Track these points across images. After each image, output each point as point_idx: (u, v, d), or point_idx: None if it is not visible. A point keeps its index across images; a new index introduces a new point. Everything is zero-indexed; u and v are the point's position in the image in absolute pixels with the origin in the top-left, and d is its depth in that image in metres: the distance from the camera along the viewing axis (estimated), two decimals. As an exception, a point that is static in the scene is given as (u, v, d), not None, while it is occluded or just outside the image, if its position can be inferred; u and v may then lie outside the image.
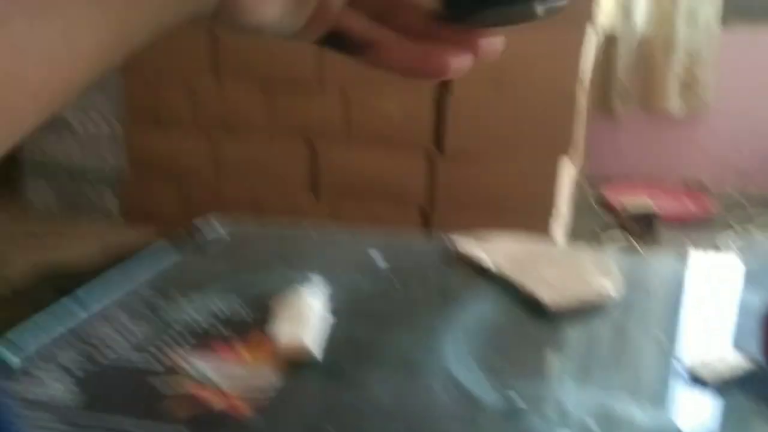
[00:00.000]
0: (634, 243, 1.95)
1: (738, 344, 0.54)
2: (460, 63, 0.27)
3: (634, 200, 2.07)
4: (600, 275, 0.67)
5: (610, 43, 2.63)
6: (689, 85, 2.61)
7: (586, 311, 0.61)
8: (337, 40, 0.27)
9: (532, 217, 1.78)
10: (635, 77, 2.67)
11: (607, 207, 2.35)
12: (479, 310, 0.62)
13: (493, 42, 0.29)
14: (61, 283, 1.72)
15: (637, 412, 0.45)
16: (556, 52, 1.70)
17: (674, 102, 2.61)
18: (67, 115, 2.39)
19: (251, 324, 0.59)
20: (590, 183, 2.70)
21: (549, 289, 0.64)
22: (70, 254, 1.95)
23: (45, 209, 2.51)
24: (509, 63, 1.74)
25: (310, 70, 1.93)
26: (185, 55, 2.07)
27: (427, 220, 1.92)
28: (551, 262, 0.72)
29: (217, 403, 0.47)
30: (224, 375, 0.50)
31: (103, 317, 0.61)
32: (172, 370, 0.51)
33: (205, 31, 2.02)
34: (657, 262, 0.84)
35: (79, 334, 0.58)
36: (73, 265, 1.88)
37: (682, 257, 0.79)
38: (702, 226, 2.23)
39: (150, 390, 0.49)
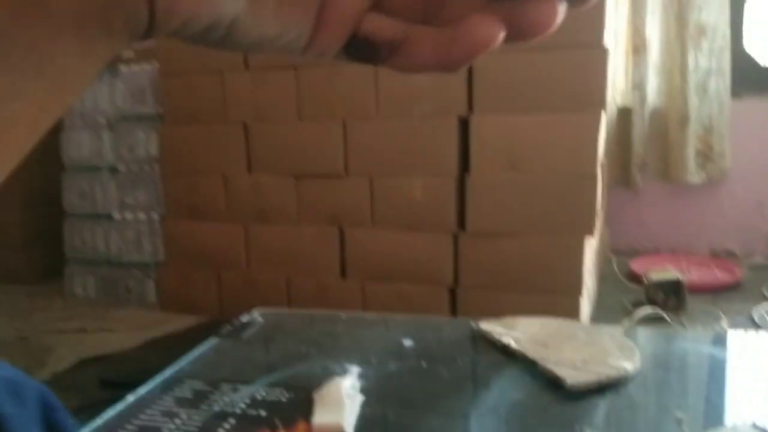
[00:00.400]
0: (663, 315, 1.95)
1: (763, 423, 0.56)
2: (493, 35, 0.21)
3: (661, 271, 2.08)
4: (620, 353, 0.71)
5: (624, 117, 2.72)
6: (706, 155, 2.66)
7: (607, 389, 0.64)
8: (358, 47, 0.23)
9: (559, 295, 1.80)
10: (652, 149, 2.73)
11: (635, 279, 2.36)
12: (504, 390, 0.65)
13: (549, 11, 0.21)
14: (104, 371, 1.78)
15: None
16: (572, 135, 1.77)
17: (693, 172, 2.66)
18: (108, 207, 2.54)
19: (293, 412, 0.63)
20: (616, 256, 2.72)
21: (570, 368, 0.67)
22: (112, 343, 2.02)
23: (87, 299, 2.61)
24: (526, 146, 1.83)
25: (337, 159, 2.04)
26: (221, 150, 2.21)
27: (454, 300, 1.96)
28: (573, 341, 0.76)
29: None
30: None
31: (155, 405, 0.66)
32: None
33: (240, 127, 2.17)
34: (684, 337, 0.86)
35: (132, 422, 0.63)
36: (115, 353, 1.94)
37: (709, 331, 0.82)
38: (732, 294, 2.21)
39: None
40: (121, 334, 2.10)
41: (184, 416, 0.64)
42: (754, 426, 0.54)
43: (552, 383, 0.66)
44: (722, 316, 1.94)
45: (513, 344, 0.75)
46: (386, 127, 1.98)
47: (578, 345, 0.74)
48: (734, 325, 1.87)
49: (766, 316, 1.93)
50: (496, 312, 0.87)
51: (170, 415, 0.64)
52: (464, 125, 1.91)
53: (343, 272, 2.10)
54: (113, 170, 2.53)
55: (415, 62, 0.23)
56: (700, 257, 2.62)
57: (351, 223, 2.06)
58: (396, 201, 1.99)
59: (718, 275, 2.38)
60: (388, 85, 1.96)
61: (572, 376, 0.65)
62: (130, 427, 0.62)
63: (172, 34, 0.20)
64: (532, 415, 0.60)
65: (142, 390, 0.70)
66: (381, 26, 0.22)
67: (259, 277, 2.20)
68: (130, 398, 0.68)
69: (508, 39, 0.21)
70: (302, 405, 0.63)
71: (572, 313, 1.80)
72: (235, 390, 0.69)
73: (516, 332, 0.79)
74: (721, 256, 2.70)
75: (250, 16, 0.21)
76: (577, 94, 1.76)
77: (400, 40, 0.22)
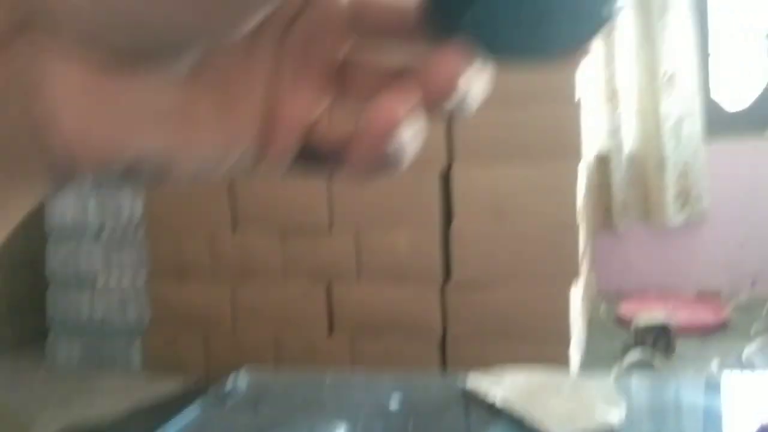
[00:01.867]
0: (652, 358, 1.94)
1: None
2: (394, 119, 0.19)
3: (649, 314, 2.09)
4: (605, 404, 0.71)
5: (603, 163, 2.78)
6: (685, 197, 2.72)
7: (594, 442, 0.64)
8: (305, 157, 0.20)
9: (547, 343, 1.80)
10: (632, 193, 2.79)
11: (623, 323, 2.36)
12: (491, 448, 0.65)
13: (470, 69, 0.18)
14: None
15: None
16: (551, 185, 1.81)
17: (673, 213, 2.71)
18: (93, 272, 2.51)
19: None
20: (603, 299, 2.73)
21: (556, 420, 0.67)
22: (96, 410, 1.97)
23: (70, 365, 2.55)
24: (507, 196, 1.86)
25: (322, 214, 2.05)
26: (205, 207, 2.22)
27: (443, 350, 1.94)
28: (559, 393, 0.76)
29: None
30: None
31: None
32: None
33: (224, 185, 2.19)
34: (676, 384, 0.86)
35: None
36: (99, 422, 1.89)
37: (701, 375, 0.82)
38: (720, 335, 2.22)
39: None
40: (106, 401, 2.05)
41: (167, 490, 0.62)
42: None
43: (539, 438, 0.66)
44: (712, 358, 1.94)
45: (499, 399, 0.75)
46: (370, 183, 2.00)
47: (564, 397, 0.74)
48: (724, 366, 1.87)
49: (754, 356, 1.93)
50: (486, 361, 0.87)
51: (153, 489, 0.62)
52: (446, 177, 1.94)
53: (331, 328, 2.08)
54: (98, 234, 2.52)
55: (357, 171, 0.20)
56: (686, 297, 2.63)
57: (337, 278, 2.06)
58: (382, 254, 2.00)
59: (705, 316, 2.39)
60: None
61: (559, 429, 0.65)
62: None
63: (96, 175, 0.18)
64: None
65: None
66: (328, 130, 0.20)
67: (246, 337, 2.17)
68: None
69: (420, 107, 0.19)
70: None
71: (561, 360, 1.79)
72: (219, 459, 0.68)
73: (503, 386, 0.78)
74: (707, 296, 2.71)
75: (180, 144, 0.18)
76: (553, 146, 1.81)
77: (344, 145, 0.19)
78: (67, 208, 2.58)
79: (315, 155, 0.20)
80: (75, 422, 1.91)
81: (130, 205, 2.46)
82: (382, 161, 0.20)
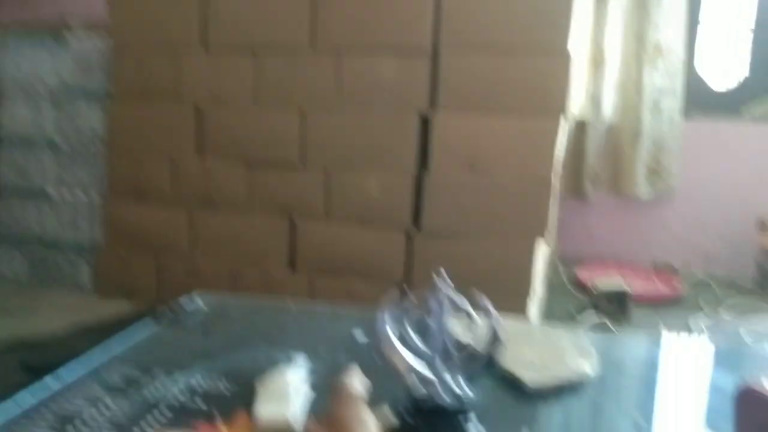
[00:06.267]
0: (607, 322, 1.98)
1: (710, 424, 0.55)
2: None
3: (607, 280, 2.11)
4: (577, 355, 0.69)
5: (580, 129, 2.76)
6: (656, 171, 2.73)
7: (564, 390, 0.62)
8: None
9: (508, 297, 1.80)
10: (604, 163, 2.79)
11: (581, 287, 2.39)
12: (459, 388, 0.62)
13: None
14: (29, 357, 1.66)
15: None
16: (531, 140, 1.78)
17: (642, 187, 2.72)
18: (45, 185, 2.40)
19: (232, 401, 0.58)
20: (563, 263, 2.76)
21: (528, 369, 0.65)
22: (41, 327, 1.90)
23: (17, 280, 2.46)
24: (486, 147, 1.82)
25: (293, 149, 1.98)
26: (170, 131, 2.12)
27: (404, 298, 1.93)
28: (530, 342, 0.74)
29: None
30: (205, 453, 0.50)
31: (79, 392, 0.60)
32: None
33: (192, 109, 2.08)
34: (631, 342, 0.85)
35: (53, 408, 0.57)
36: (43, 338, 1.82)
37: (655, 338, 0.81)
38: (672, 306, 2.27)
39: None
40: (50, 318, 1.98)
41: (110, 404, 0.58)
42: (708, 427, 0.53)
43: (511, 383, 0.63)
44: (663, 326, 1.98)
45: (471, 343, 0.72)
46: (346, 120, 1.93)
47: (537, 346, 0.72)
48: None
49: (704, 327, 1.98)
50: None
51: (95, 402, 0.58)
52: (425, 123, 1.89)
53: (292, 265, 2.04)
54: (53, 146, 2.38)
55: None
56: (642, 268, 2.68)
57: (303, 216, 2.01)
58: (351, 196, 1.95)
59: (659, 287, 2.44)
60: (350, 78, 1.92)
61: (532, 377, 0.63)
62: (49, 414, 0.56)
63: None
64: (491, 415, 0.57)
65: (66, 374, 0.63)
66: None
67: (203, 266, 2.11)
68: (52, 383, 0.61)
69: None
70: (243, 396, 0.58)
71: (520, 314, 1.80)
72: (170, 378, 0.63)
73: (474, 331, 0.76)
74: (663, 269, 2.77)
75: None
76: (539, 99, 1.77)
77: None
78: (21, 115, 2.43)
79: None
80: (19, 335, 1.84)
81: (90, 119, 2.33)
82: None
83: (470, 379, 0.37)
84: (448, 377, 0.36)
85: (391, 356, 0.37)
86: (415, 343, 0.37)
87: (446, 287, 0.39)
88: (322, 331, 0.79)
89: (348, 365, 0.68)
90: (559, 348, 0.71)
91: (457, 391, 0.35)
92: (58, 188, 2.39)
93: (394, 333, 0.37)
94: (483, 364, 0.36)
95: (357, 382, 0.35)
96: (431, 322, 0.37)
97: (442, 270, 0.38)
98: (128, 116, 2.17)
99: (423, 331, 0.39)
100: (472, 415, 0.34)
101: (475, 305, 0.40)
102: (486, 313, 0.38)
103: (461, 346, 0.38)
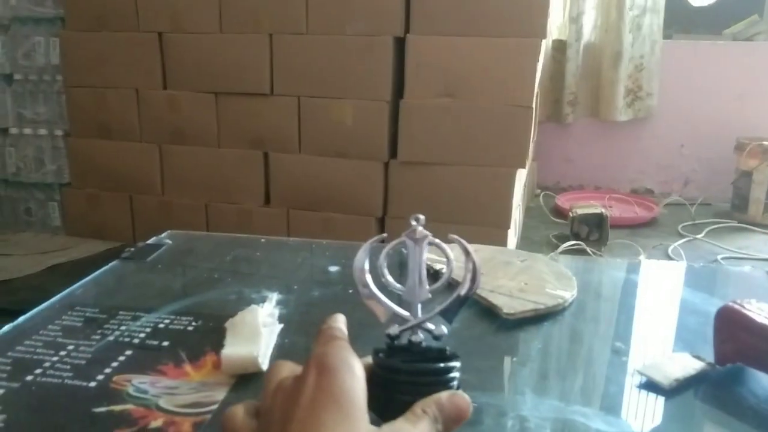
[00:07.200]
0: (586, 247, 1.99)
1: (688, 346, 0.55)
2: None
3: (586, 206, 2.12)
4: (556, 281, 0.68)
5: (559, 50, 2.69)
6: (635, 93, 2.70)
7: (543, 317, 0.61)
8: None
9: (487, 225, 1.79)
10: (584, 86, 2.74)
11: (560, 214, 2.39)
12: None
13: None
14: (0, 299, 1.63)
15: (593, 418, 0.45)
16: (511, 63, 1.72)
17: (621, 110, 2.69)
18: (4, 120, 2.29)
19: (200, 342, 0.56)
20: (542, 189, 2.75)
21: (506, 297, 0.63)
22: (7, 268, 1.86)
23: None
24: (463, 71, 1.76)
25: (262, 76, 1.90)
26: (132, 61, 2.01)
27: (382, 229, 1.91)
28: (508, 269, 0.72)
29: (155, 421, 0.44)
30: (165, 393, 0.48)
31: (37, 333, 0.57)
32: (110, 389, 0.48)
33: (154, 36, 1.97)
34: (608, 266, 0.85)
35: (12, 356, 0.54)
36: (9, 279, 1.78)
37: (633, 262, 0.80)
38: (649, 230, 2.29)
39: (84, 410, 0.46)
40: (19, 259, 1.93)
41: (70, 347, 0.55)
42: (693, 355, 0.52)
43: (488, 312, 0.62)
44: (640, 250, 2.00)
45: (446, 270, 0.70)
46: (316, 45, 1.85)
47: (514, 273, 0.70)
48: (652, 258, 1.94)
49: (681, 250, 2.00)
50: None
51: (54, 346, 0.55)
52: (400, 46, 1.81)
53: (267, 199, 2.00)
54: (8, 79, 2.26)
55: None
56: (621, 194, 2.69)
57: (276, 147, 1.95)
58: (325, 125, 1.89)
59: (637, 211, 2.46)
60: (320, 0, 1.82)
61: (508, 304, 0.61)
62: (2, 360, 0.53)
63: None
64: (468, 344, 0.56)
65: (22, 318, 0.60)
66: None
67: (176, 202, 2.06)
68: (7, 328, 0.58)
69: None
70: (212, 335, 0.56)
71: (499, 244, 1.79)
72: (134, 318, 0.61)
73: (450, 260, 0.74)
74: (641, 193, 2.79)
75: None
76: (517, 20, 1.69)
77: None
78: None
79: None
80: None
81: (46, 49, 2.20)
82: None
83: (446, 315, 0.35)
84: (423, 315, 0.34)
85: (365, 293, 0.34)
86: (390, 280, 0.35)
87: (423, 226, 0.36)
88: (296, 266, 0.76)
89: (322, 301, 0.66)
90: (537, 275, 0.70)
91: (433, 327, 0.33)
92: (19, 125, 2.28)
93: (369, 269, 0.35)
94: (460, 306, 0.34)
95: (342, 324, 0.34)
96: (408, 259, 0.35)
97: (420, 215, 0.36)
98: (85, 46, 2.05)
99: (399, 268, 0.37)
100: (449, 349, 0.33)
101: (452, 244, 0.38)
102: (464, 253, 0.35)
103: (438, 285, 0.35)
